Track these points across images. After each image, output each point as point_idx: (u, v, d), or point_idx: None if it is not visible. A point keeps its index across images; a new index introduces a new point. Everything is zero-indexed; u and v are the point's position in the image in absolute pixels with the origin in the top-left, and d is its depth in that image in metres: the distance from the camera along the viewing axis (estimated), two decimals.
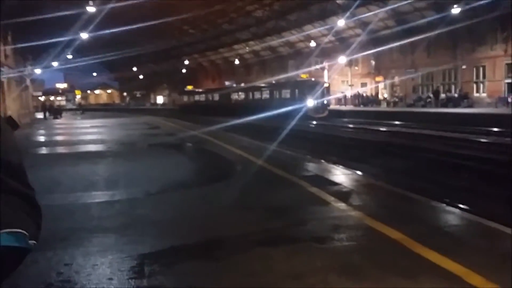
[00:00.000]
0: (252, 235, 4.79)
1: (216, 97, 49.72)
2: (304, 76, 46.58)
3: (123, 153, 13.09)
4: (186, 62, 72.87)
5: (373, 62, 44.39)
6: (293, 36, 50.84)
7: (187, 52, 70.08)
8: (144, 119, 34.97)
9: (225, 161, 10.69)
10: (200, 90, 59.58)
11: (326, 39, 47.17)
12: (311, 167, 9.75)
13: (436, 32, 32.73)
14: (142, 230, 5.07)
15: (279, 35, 52.13)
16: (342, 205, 5.93)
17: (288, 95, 36.05)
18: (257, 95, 41.60)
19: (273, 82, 45.43)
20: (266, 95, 40.06)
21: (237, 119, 27.58)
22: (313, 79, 38.93)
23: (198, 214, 5.85)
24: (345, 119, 31.75)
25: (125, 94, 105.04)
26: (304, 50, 52.98)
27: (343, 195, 6.57)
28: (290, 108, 30.63)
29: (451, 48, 35.46)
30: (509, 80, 31.89)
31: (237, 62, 64.85)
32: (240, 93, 45.17)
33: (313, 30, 46.51)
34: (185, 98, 59.01)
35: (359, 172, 10.36)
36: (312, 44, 47.82)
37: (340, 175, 8.73)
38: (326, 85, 35.50)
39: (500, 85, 32.22)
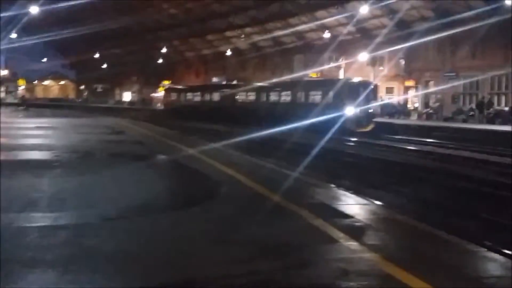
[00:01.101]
0: (236, 278, 4.77)
1: (216, 97, 48.07)
2: (313, 75, 46.82)
3: (75, 164, 13.03)
4: (164, 50, 73.02)
5: (402, 62, 44.75)
6: (302, 25, 51.17)
7: (166, 37, 70.40)
8: (106, 121, 34.91)
9: (208, 180, 10.68)
10: (194, 86, 58.04)
11: (344, 30, 47.56)
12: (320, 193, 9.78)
13: (485, 26, 33.09)
14: (92, 266, 5.03)
15: (285, 21, 52.55)
16: (353, 244, 5.93)
17: (318, 99, 33.97)
18: (273, 96, 39.42)
19: (300, 80, 43.36)
20: (286, 97, 37.69)
21: (245, 130, 26.65)
22: (354, 78, 36.33)
23: (167, 248, 5.82)
24: (400, 137, 29.35)
25: (82, 87, 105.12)
26: (315, 43, 53.38)
27: (356, 231, 6.58)
28: (321, 117, 29.05)
29: (503, 49, 35.84)
30: None
31: (229, 53, 65.10)
32: (249, 93, 43.00)
33: (328, 18, 46.90)
34: (173, 96, 57.22)
35: (377, 202, 10.45)
36: (326, 35, 48.19)
37: (353, 205, 8.76)
38: (372, 86, 33.19)
39: None
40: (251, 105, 41.14)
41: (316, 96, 34.30)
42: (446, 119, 38.31)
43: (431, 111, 41.62)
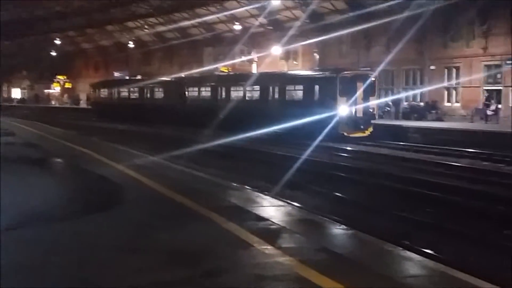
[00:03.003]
0: None
1: (159, 93, 42.59)
2: (224, 70, 46.88)
3: None
4: (58, 42, 70.81)
5: (317, 56, 45.86)
6: (211, 15, 51.20)
7: (60, 27, 68.06)
8: None
9: (111, 184, 10.54)
10: (133, 79, 51.27)
11: (256, 22, 48.02)
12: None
13: (399, 20, 34.51)
14: None
15: (192, 11, 52.29)
16: (268, 248, 6.06)
17: (300, 96, 29.52)
18: (236, 92, 34.55)
19: (276, 72, 38.83)
20: (254, 93, 32.98)
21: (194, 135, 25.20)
22: (348, 69, 30.50)
23: (66, 259, 5.70)
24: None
25: None
26: (226, 35, 53.56)
27: (271, 234, 6.73)
28: (306, 119, 25.46)
29: (417, 43, 37.55)
30: (488, 87, 34.29)
31: (131, 45, 64.15)
32: (204, 88, 37.82)
33: (239, 8, 47.15)
34: (102, 93, 51.71)
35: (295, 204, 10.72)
36: (237, 27, 48.47)
37: (268, 208, 8.92)
38: (371, 79, 28.32)
39: (477, 92, 34.56)
40: (206, 104, 35.96)
41: (298, 91, 29.72)
42: None
43: None
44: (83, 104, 71.34)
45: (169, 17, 55.58)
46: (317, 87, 28.05)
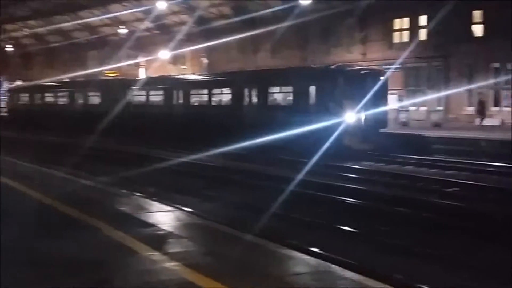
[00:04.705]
0: None
1: (95, 98, 36.09)
2: (110, 74, 45.92)
3: None
4: None
5: (205, 60, 46.09)
6: (94, 18, 50.11)
7: None
8: None
9: None
10: (61, 82, 43.54)
11: (142, 26, 47.55)
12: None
13: (283, 27, 35.46)
14: None
15: (74, 14, 50.89)
16: (155, 255, 6.01)
17: (290, 100, 23.63)
18: (200, 96, 28.71)
19: (257, 70, 32.52)
20: (225, 97, 27.15)
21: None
22: (352, 65, 24.83)
23: None
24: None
25: None
26: (111, 38, 52.57)
27: (157, 240, 6.69)
28: (300, 129, 20.24)
29: (300, 49, 38.74)
30: None
31: (10, 49, 61.46)
32: (154, 92, 31.35)
33: (124, 11, 46.52)
34: (22, 99, 44.02)
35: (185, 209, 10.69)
36: (122, 30, 47.79)
37: (157, 213, 8.84)
38: (382, 78, 22.74)
39: None
40: (158, 110, 29.94)
41: (286, 94, 23.97)
42: None
43: None
44: None
45: (49, 19, 53.76)
46: (314, 87, 22.17)
